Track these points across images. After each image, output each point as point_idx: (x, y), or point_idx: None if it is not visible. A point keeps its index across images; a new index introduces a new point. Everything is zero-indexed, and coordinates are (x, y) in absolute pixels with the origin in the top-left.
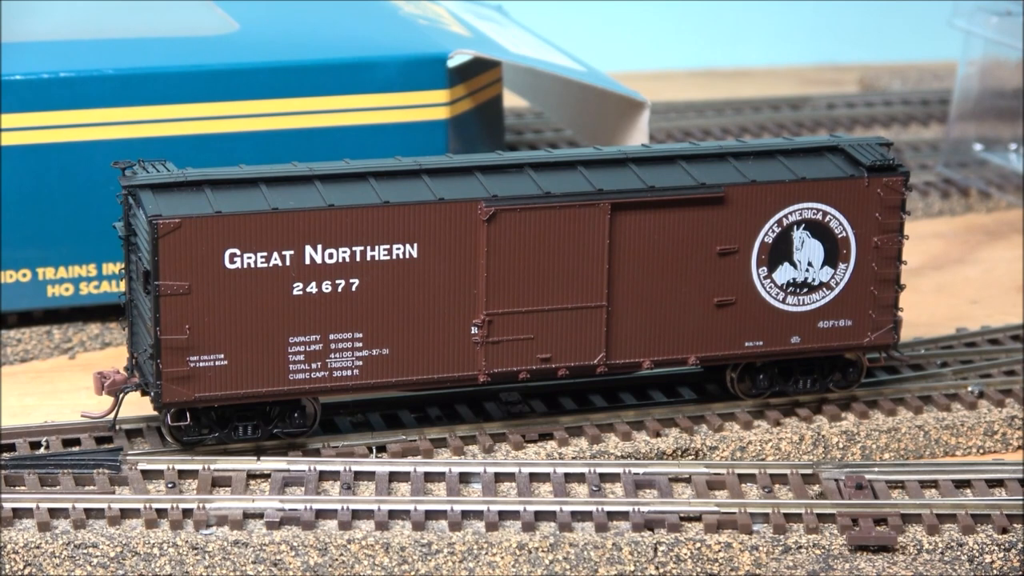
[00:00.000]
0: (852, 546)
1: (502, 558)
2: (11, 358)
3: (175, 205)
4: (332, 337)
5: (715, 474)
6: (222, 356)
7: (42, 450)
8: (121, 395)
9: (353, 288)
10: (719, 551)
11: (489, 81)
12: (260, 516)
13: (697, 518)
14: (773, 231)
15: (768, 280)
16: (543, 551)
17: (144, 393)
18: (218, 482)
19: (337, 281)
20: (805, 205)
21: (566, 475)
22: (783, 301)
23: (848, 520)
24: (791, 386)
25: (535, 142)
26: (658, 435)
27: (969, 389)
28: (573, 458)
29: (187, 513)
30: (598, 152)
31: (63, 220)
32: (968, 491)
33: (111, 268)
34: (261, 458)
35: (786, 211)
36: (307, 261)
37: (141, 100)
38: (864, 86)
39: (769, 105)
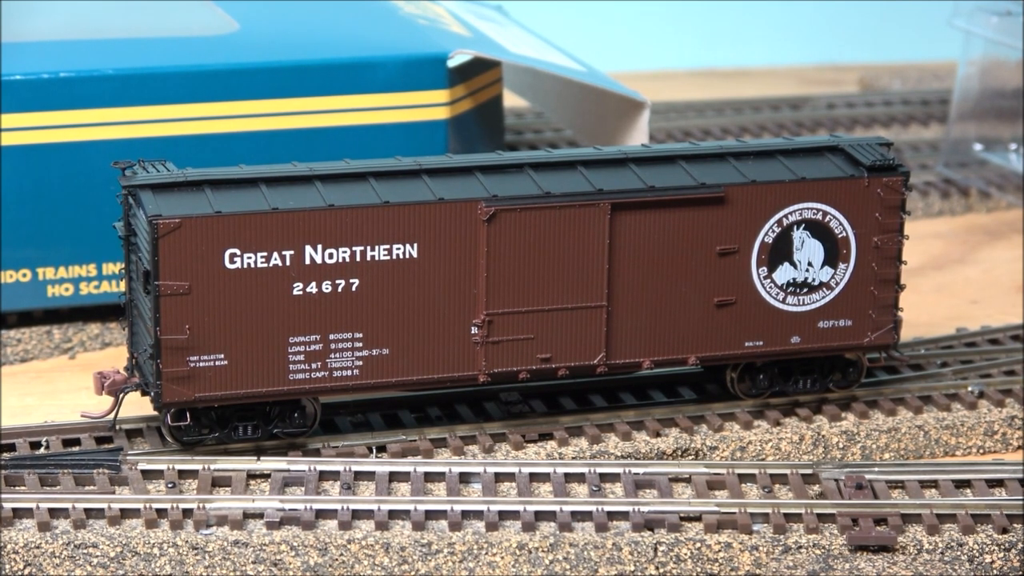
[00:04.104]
0: (852, 546)
1: (502, 558)
2: (11, 358)
3: (175, 205)
4: (332, 337)
5: (715, 474)
6: (222, 356)
7: (42, 450)
8: (121, 395)
9: (353, 288)
10: (719, 551)
11: (489, 81)
12: (260, 516)
13: (697, 518)
14: (773, 231)
15: (768, 280)
16: (543, 551)
17: (144, 393)
18: (218, 482)
19: (337, 281)
20: (805, 205)
21: (566, 475)
22: (783, 301)
23: (848, 520)
24: (791, 386)
25: (535, 142)
26: (658, 435)
27: (969, 389)
28: (573, 458)
29: (187, 513)
30: (598, 152)
31: (63, 220)
32: (968, 491)
33: (111, 268)
34: (261, 458)
35: (786, 211)
36: (307, 261)
37: (141, 100)
38: (864, 86)
39: (769, 105)
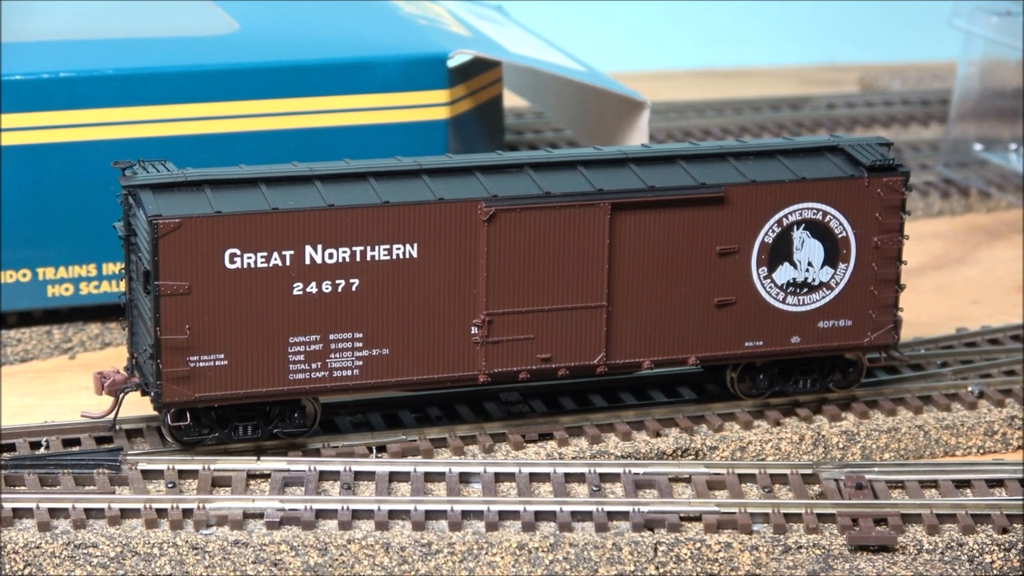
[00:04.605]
0: (852, 546)
1: (502, 558)
2: (11, 358)
3: (175, 205)
4: (332, 337)
5: (715, 474)
6: (222, 356)
7: (42, 450)
8: (121, 395)
9: (353, 288)
10: (719, 551)
11: (489, 81)
12: (260, 516)
13: (697, 518)
14: (773, 231)
15: (768, 280)
16: (543, 551)
17: (144, 393)
18: (218, 482)
19: (337, 281)
20: (805, 205)
21: (566, 475)
22: (783, 301)
23: (848, 520)
24: (791, 386)
25: (535, 142)
26: (658, 435)
27: (969, 389)
28: (573, 458)
29: (187, 513)
30: (598, 152)
31: (63, 220)
32: (968, 491)
33: (111, 268)
34: (261, 458)
35: (786, 211)
36: (307, 261)
37: (141, 100)
38: (864, 86)
39: (769, 105)
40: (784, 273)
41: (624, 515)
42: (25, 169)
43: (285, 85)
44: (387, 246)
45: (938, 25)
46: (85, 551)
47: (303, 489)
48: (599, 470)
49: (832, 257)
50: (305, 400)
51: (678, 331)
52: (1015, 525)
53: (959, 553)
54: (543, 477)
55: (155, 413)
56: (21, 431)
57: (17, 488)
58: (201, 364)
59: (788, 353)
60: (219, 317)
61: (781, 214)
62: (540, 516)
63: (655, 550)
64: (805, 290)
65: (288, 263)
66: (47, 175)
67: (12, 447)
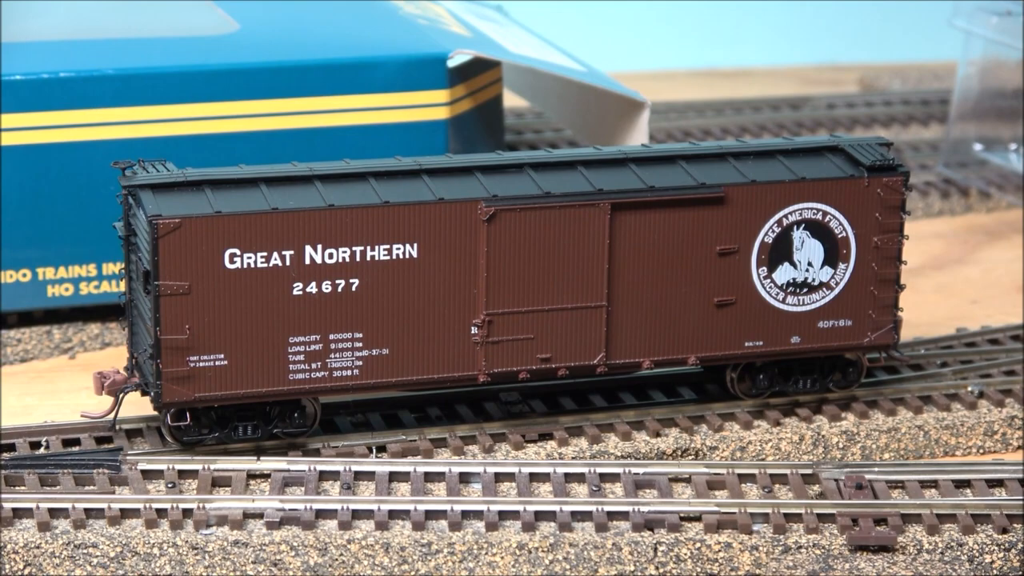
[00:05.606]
0: (852, 546)
1: (502, 558)
2: (11, 358)
3: (175, 205)
4: (332, 337)
5: (715, 474)
6: (222, 356)
7: (42, 450)
8: (121, 395)
9: (353, 288)
10: (719, 551)
11: (489, 81)
12: (260, 516)
13: (697, 518)
14: (773, 231)
15: (768, 280)
16: (543, 551)
17: (144, 393)
18: (218, 482)
19: (337, 281)
20: (805, 205)
21: (566, 475)
22: (783, 301)
23: (848, 520)
24: (791, 386)
25: (535, 142)
26: (658, 435)
27: (969, 389)
28: (573, 458)
29: (187, 513)
30: (598, 152)
31: (63, 220)
32: (968, 491)
33: (111, 268)
34: (261, 458)
35: (786, 211)
36: (307, 261)
37: (141, 100)
38: (864, 86)
39: (769, 105)
40: (784, 273)
41: (624, 515)
42: (25, 169)
43: (285, 85)
44: (387, 246)
45: (938, 25)
46: (85, 551)
47: (303, 489)
48: (599, 470)
49: (832, 257)
50: (305, 400)
51: (678, 331)
52: (1015, 525)
53: (959, 553)
54: (543, 477)
55: (155, 413)
56: (21, 431)
57: (17, 488)
58: (201, 364)
59: (788, 353)
60: (219, 317)
61: (781, 214)
62: (540, 516)
63: (655, 550)
64: (805, 290)
65: (288, 263)
66: (47, 175)
67: (12, 447)
